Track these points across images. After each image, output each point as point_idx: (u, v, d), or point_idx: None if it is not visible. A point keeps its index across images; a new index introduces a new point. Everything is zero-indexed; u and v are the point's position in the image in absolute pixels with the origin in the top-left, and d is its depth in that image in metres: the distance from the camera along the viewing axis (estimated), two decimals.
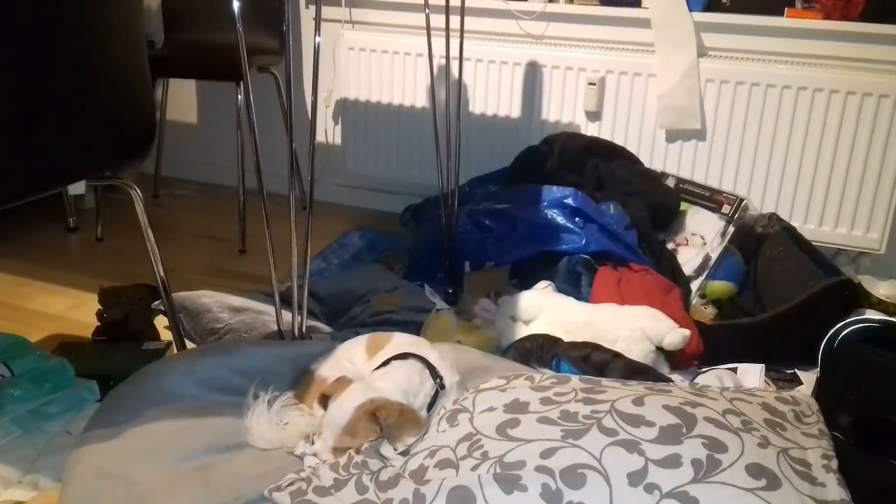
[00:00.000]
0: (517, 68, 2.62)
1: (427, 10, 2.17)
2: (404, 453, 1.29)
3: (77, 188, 1.61)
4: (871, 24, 2.26)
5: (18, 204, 1.40)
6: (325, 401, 1.38)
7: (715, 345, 1.87)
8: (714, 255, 2.26)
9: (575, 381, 1.38)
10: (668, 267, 2.19)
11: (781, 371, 1.86)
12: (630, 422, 1.19)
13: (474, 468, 1.16)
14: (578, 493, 1.08)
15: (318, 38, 1.69)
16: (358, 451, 1.31)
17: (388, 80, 2.78)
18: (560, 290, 2.00)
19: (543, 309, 1.90)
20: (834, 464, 1.15)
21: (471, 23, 2.44)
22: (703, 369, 1.81)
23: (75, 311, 2.16)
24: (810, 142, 2.36)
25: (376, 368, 1.44)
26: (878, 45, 2.27)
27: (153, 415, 1.37)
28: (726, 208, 2.36)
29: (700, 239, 2.33)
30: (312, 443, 1.36)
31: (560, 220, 2.18)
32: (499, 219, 2.26)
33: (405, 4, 2.73)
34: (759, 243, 2.26)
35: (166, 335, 1.89)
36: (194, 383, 1.48)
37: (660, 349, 1.79)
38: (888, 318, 1.84)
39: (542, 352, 1.71)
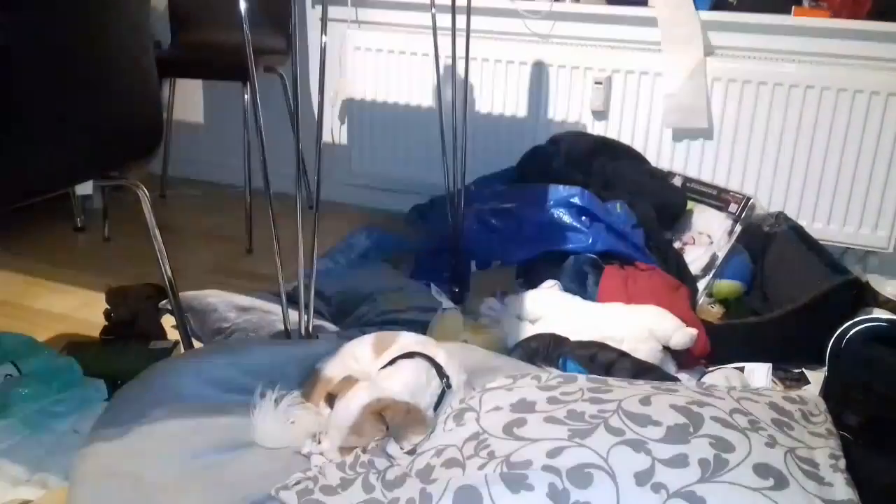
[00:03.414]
0: (523, 68, 2.62)
1: (433, 10, 2.17)
2: (411, 452, 1.29)
3: (84, 188, 1.62)
4: (878, 22, 2.25)
5: (26, 204, 1.41)
6: (331, 400, 1.38)
7: (722, 344, 1.86)
8: (721, 255, 2.26)
9: (581, 380, 1.38)
10: (675, 266, 2.18)
11: (789, 370, 1.85)
12: (637, 421, 1.18)
13: (481, 467, 1.16)
14: (585, 492, 1.08)
15: (324, 38, 1.69)
16: (364, 451, 1.31)
17: (394, 79, 2.78)
18: (566, 289, 2.00)
19: (550, 308, 1.90)
20: (841, 463, 1.15)
21: (477, 22, 2.44)
22: (710, 368, 1.81)
23: (83, 310, 2.17)
24: (818, 140, 2.35)
25: (383, 367, 1.44)
26: (885, 44, 2.26)
27: (160, 414, 1.38)
28: (733, 207, 2.35)
29: (707, 238, 2.33)
30: (319, 442, 1.36)
31: (566, 219, 2.18)
32: (505, 218, 2.26)
33: (411, 4, 2.73)
34: (767, 242, 2.25)
35: (173, 334, 1.90)
36: (201, 383, 1.48)
37: (666, 348, 1.79)
38: None
39: (549, 351, 1.71)
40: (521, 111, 2.67)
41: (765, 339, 1.90)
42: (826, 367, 1.70)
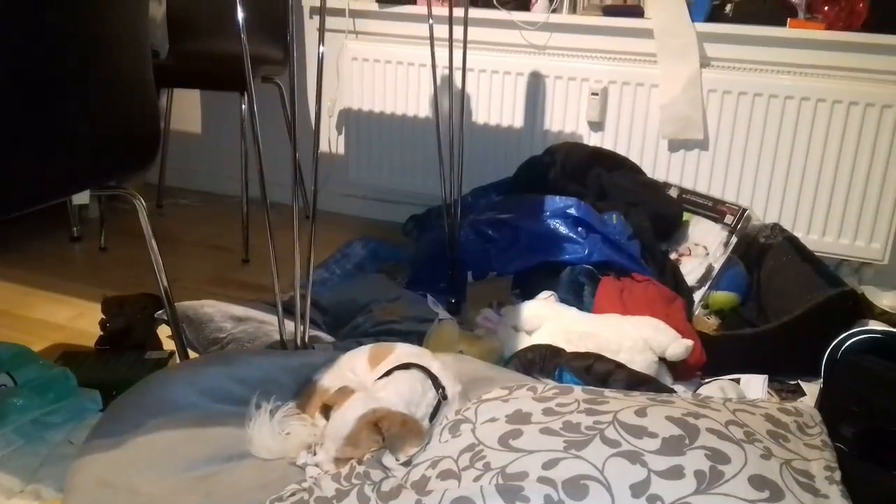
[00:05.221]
0: (520, 78, 2.63)
1: (430, 21, 2.18)
2: (406, 464, 1.29)
3: (81, 198, 1.62)
4: (873, 34, 2.26)
5: (23, 213, 1.40)
6: (327, 411, 1.38)
7: (718, 355, 1.86)
8: (717, 266, 2.26)
9: (577, 391, 1.38)
10: (671, 277, 2.19)
11: (784, 382, 1.85)
12: (632, 433, 1.18)
13: (476, 479, 1.16)
14: None
15: (321, 49, 1.69)
16: (360, 462, 1.31)
17: (391, 90, 2.79)
18: (562, 300, 2.00)
19: (546, 319, 1.90)
20: (837, 475, 1.15)
21: (474, 33, 2.45)
22: (706, 380, 1.81)
23: (78, 320, 2.16)
24: (813, 152, 2.36)
25: (378, 378, 1.44)
26: (880, 56, 2.27)
27: (155, 424, 1.38)
28: (729, 218, 2.36)
29: (703, 249, 2.33)
30: (314, 453, 1.36)
31: (563, 230, 2.18)
32: (501, 229, 2.26)
33: (409, 15, 2.74)
34: (762, 254, 2.26)
35: (169, 345, 1.89)
36: (197, 393, 1.48)
37: (663, 360, 1.79)
38: (891, 328, 1.83)
39: (545, 362, 1.71)
40: (518, 122, 2.67)
41: (760, 350, 1.91)
42: (822, 379, 1.70)
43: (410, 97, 2.77)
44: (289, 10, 2.48)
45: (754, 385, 1.77)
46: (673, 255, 2.34)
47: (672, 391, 1.65)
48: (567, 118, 2.62)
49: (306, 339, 1.74)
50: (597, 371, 1.65)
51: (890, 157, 2.28)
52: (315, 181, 1.72)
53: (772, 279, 2.17)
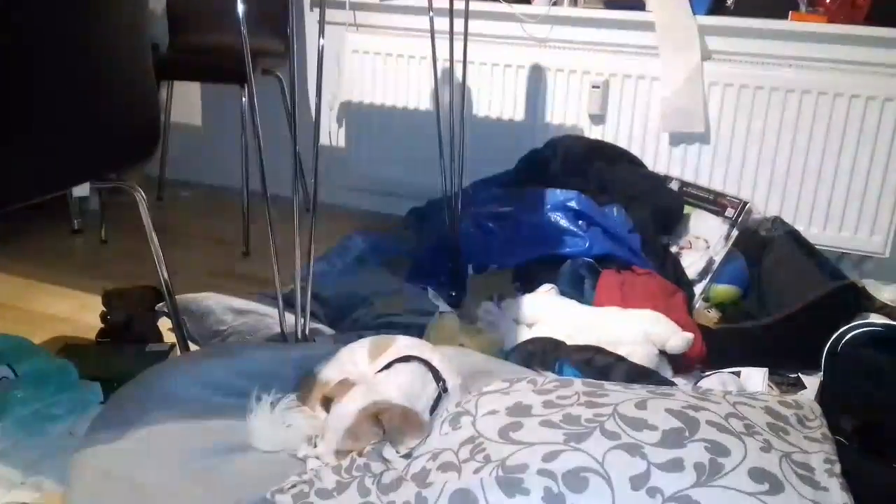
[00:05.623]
0: (521, 71, 2.62)
1: (431, 14, 2.17)
2: (406, 456, 1.29)
3: (81, 190, 1.62)
4: (875, 27, 2.26)
5: (23, 206, 1.40)
6: (327, 403, 1.38)
7: (718, 348, 1.86)
8: (718, 259, 2.26)
9: (578, 384, 1.38)
10: (672, 270, 2.18)
11: (785, 375, 1.85)
12: (632, 425, 1.18)
13: (476, 471, 1.16)
14: (580, 496, 1.08)
15: (322, 41, 1.69)
16: (360, 454, 1.31)
17: (392, 82, 2.78)
18: (563, 293, 2.00)
19: (546, 312, 1.90)
20: (837, 468, 1.15)
21: (475, 26, 2.44)
22: (707, 373, 1.81)
23: (79, 313, 2.16)
24: (814, 145, 2.35)
25: (379, 371, 1.44)
26: (882, 49, 2.26)
27: (157, 417, 1.38)
28: (730, 212, 2.35)
29: (704, 242, 2.33)
30: (315, 445, 1.36)
31: (563, 223, 2.18)
32: (502, 222, 2.26)
33: (409, 8, 2.74)
34: (763, 247, 2.26)
35: (170, 337, 1.89)
36: (198, 385, 1.48)
37: (663, 353, 1.79)
38: (892, 322, 1.83)
39: (545, 355, 1.71)
40: (519, 115, 2.67)
41: (761, 343, 1.90)
42: (822, 372, 1.70)
43: (411, 90, 2.77)
44: (289, 2, 2.47)
45: (754, 378, 1.77)
46: (674, 249, 2.33)
47: (672, 384, 1.65)
48: (568, 111, 2.61)
49: (307, 332, 1.74)
50: (597, 364, 1.65)
51: (891, 150, 2.28)
52: (315, 174, 1.72)
53: (773, 272, 2.17)
